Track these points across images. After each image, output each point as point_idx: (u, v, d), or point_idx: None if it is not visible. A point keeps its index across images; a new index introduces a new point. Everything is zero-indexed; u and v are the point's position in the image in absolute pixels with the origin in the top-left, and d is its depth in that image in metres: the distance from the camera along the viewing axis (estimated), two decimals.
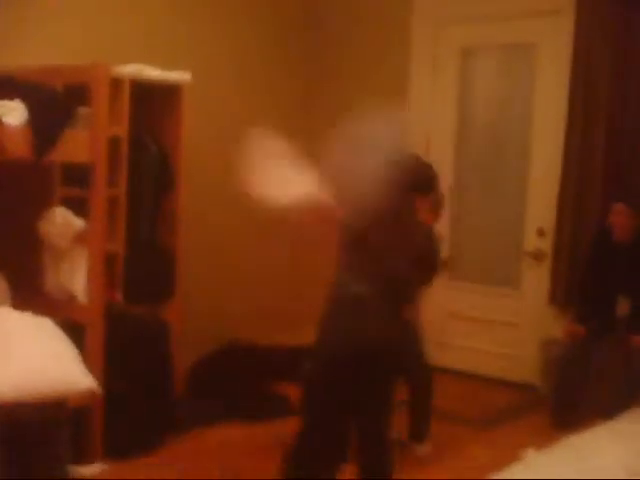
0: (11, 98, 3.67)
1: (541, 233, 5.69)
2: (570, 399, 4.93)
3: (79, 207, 4.18)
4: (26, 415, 3.30)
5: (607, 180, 5.27)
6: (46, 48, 4.53)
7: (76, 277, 4.21)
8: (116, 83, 4.28)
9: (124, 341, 4.29)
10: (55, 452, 3.43)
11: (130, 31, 5.05)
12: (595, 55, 5.25)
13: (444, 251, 5.27)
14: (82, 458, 3.98)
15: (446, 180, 5.53)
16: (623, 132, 5.22)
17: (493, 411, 5.32)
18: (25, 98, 3.69)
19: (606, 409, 4.13)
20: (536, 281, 5.71)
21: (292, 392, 5.31)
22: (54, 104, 3.87)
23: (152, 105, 4.78)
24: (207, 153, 5.45)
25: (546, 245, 5.64)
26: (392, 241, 3.20)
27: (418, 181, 3.37)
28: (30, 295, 4.11)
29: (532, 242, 5.75)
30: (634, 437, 3.57)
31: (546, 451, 3.40)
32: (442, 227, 5.08)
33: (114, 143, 4.28)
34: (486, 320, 5.83)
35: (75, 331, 3.77)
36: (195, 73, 4.89)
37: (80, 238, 4.19)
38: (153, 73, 4.64)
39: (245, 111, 5.93)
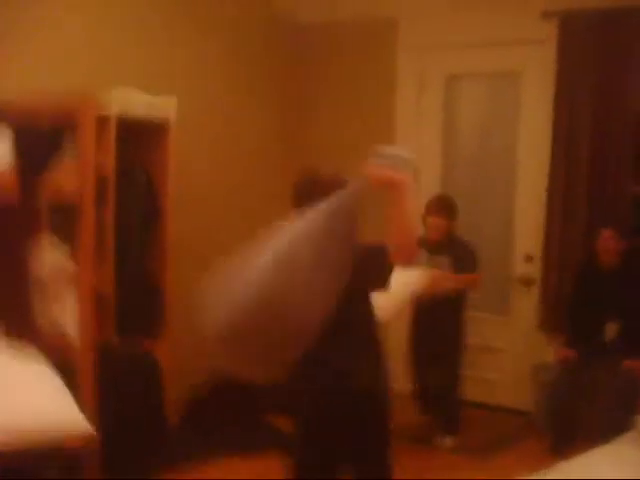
0: None
1: (529, 259, 5.71)
2: (564, 423, 4.93)
3: (68, 243, 4.17)
4: (19, 460, 3.27)
5: (592, 205, 5.31)
6: (33, 73, 4.50)
7: (67, 317, 4.19)
8: (103, 118, 4.29)
9: (115, 379, 4.27)
10: None
11: (118, 60, 5.05)
12: (578, 83, 5.31)
13: None
14: None
15: None
16: (607, 158, 5.27)
17: (488, 438, 5.32)
18: (12, 131, 3.70)
19: (600, 433, 4.13)
20: (525, 307, 5.73)
21: (286, 424, 5.31)
22: (41, 138, 3.88)
23: (140, 138, 4.78)
24: (197, 186, 5.48)
25: (534, 271, 5.66)
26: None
27: None
28: (21, 335, 4.08)
29: (520, 268, 5.78)
30: (628, 460, 3.57)
31: (541, 476, 3.39)
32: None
33: (102, 177, 4.27)
34: (477, 347, 5.83)
35: (67, 370, 3.75)
36: (185, 105, 4.92)
37: (69, 275, 4.18)
38: (139, 110, 4.65)
39: (233, 144, 5.96)
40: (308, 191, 3.07)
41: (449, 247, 5.13)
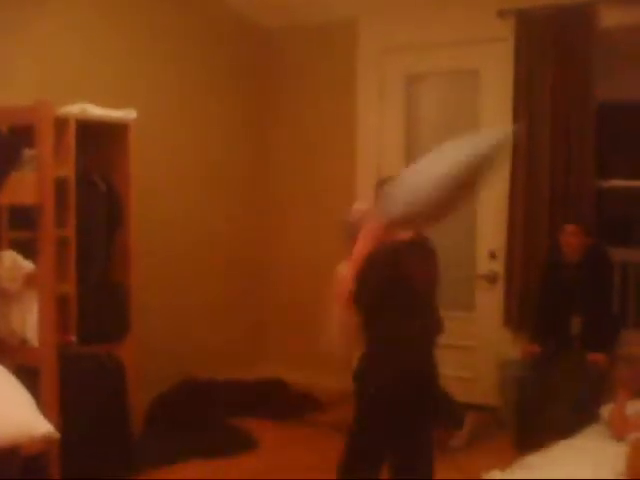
0: None
1: (493, 255, 5.73)
2: (529, 418, 4.94)
3: (28, 249, 4.12)
4: None
5: (554, 201, 5.34)
6: None
7: (27, 320, 4.14)
8: (61, 122, 4.25)
9: (79, 383, 4.22)
10: None
11: (80, 70, 5.03)
12: (537, 79, 5.35)
13: None
14: None
15: None
16: (569, 153, 5.30)
17: (455, 434, 5.32)
18: None
19: (565, 426, 4.15)
20: (490, 303, 5.75)
21: (253, 426, 5.28)
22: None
23: (99, 143, 4.75)
24: (159, 189, 5.45)
25: (498, 267, 5.68)
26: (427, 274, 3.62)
27: None
28: None
29: (484, 265, 5.80)
30: (593, 453, 3.60)
31: (508, 471, 3.41)
32: None
33: (61, 183, 4.23)
34: (442, 344, 5.83)
35: (28, 376, 3.70)
36: (148, 110, 4.89)
37: (30, 281, 4.14)
38: (98, 112, 4.62)
39: (196, 146, 5.94)
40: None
41: None
